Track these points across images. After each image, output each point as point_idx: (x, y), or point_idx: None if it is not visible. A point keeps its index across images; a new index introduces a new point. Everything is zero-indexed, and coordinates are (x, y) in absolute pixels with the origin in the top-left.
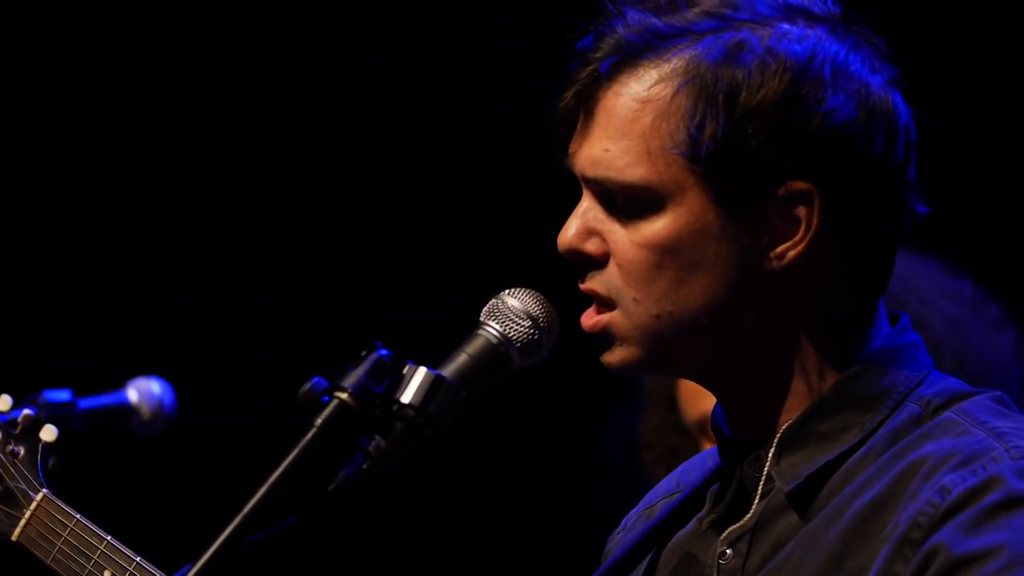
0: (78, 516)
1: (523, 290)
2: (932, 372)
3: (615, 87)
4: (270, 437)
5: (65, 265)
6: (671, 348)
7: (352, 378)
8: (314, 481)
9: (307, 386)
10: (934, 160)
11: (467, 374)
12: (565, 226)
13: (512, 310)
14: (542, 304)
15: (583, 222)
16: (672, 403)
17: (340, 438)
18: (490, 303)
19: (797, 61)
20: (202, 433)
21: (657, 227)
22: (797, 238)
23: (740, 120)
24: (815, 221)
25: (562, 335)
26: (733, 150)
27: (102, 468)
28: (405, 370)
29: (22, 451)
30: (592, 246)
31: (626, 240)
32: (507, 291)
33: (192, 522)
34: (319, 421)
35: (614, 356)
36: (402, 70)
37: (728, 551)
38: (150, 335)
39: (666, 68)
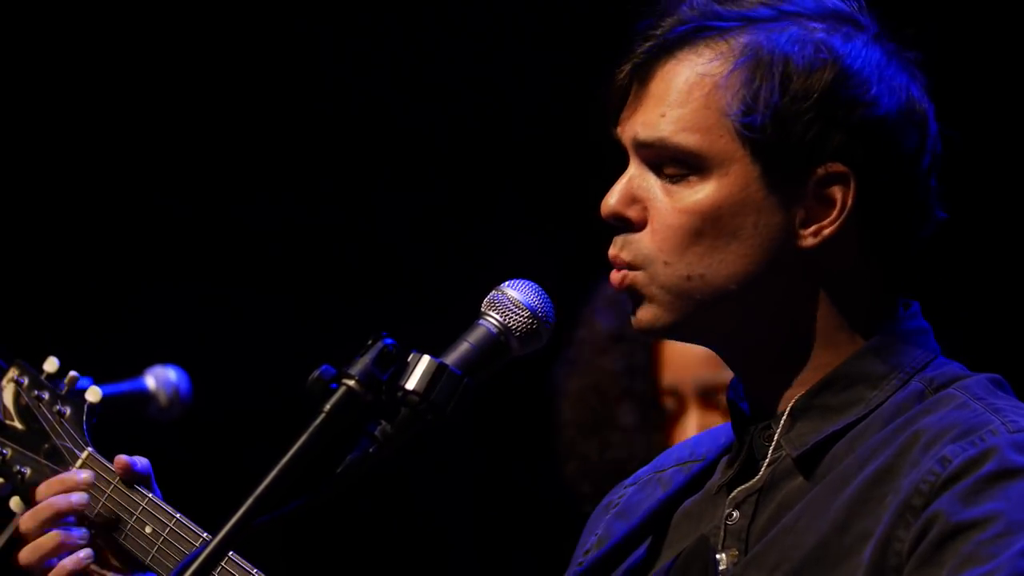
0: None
1: (523, 282)
2: (938, 357)
3: (674, 61)
4: (281, 423)
5: (82, 252)
6: (699, 313)
7: (359, 366)
8: (323, 465)
9: (316, 374)
10: (950, 171)
11: (469, 362)
12: (609, 192)
13: (512, 301)
14: (541, 295)
15: (627, 189)
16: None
17: (348, 424)
18: (491, 294)
19: (845, 56)
20: (217, 419)
21: (701, 195)
22: (831, 217)
23: (791, 99)
24: (849, 203)
25: (559, 325)
26: (783, 126)
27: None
28: (409, 358)
29: (68, 411)
30: (634, 212)
31: (668, 206)
32: (507, 283)
33: (206, 505)
34: (327, 407)
35: (642, 316)
36: (408, 63)
37: (735, 512)
38: (168, 323)
39: (724, 47)
